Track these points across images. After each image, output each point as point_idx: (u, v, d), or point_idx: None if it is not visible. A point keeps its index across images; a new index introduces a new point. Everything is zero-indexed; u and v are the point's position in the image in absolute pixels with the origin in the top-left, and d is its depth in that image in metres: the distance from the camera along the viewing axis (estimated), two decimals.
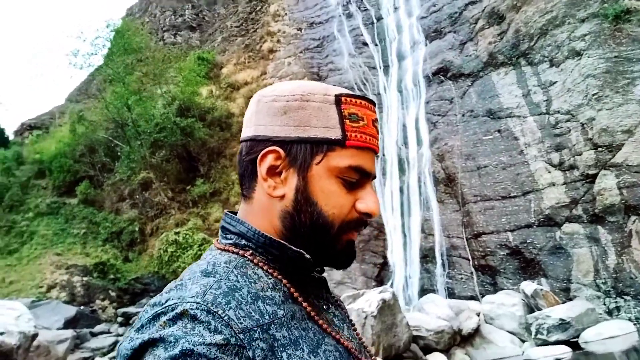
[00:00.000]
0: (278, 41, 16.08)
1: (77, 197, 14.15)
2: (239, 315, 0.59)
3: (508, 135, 8.87)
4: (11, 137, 21.61)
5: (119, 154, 14.28)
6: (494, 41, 10.10)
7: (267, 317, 0.62)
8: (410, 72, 12.02)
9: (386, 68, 12.94)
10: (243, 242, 0.72)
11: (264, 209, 0.72)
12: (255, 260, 0.70)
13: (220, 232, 0.75)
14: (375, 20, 14.16)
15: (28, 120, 21.88)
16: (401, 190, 10.51)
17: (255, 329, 0.60)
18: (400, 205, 10.38)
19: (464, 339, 6.27)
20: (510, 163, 8.55)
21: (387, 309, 5.40)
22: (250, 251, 0.71)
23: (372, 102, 0.77)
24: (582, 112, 7.57)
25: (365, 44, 13.89)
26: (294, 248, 0.70)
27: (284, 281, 0.70)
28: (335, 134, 0.71)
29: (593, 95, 7.52)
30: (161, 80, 15.14)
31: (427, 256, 9.20)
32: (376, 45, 13.69)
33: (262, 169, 0.71)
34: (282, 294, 0.68)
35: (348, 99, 0.74)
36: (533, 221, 7.59)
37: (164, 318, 0.56)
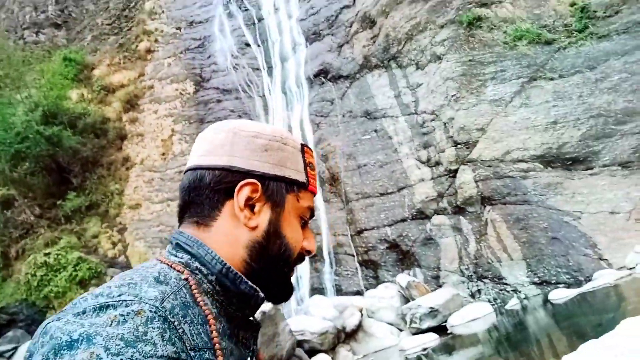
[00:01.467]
0: (156, 40, 15.20)
1: None
2: (192, 332, 0.58)
3: (383, 134, 9.35)
4: None
5: None
6: (367, 44, 10.57)
7: (209, 343, 0.61)
8: (293, 74, 12.13)
9: (270, 69, 12.91)
10: (196, 264, 0.70)
11: (228, 237, 0.73)
12: (200, 288, 0.67)
13: (169, 248, 0.73)
14: (256, 21, 14.02)
15: None
16: None
17: (204, 350, 0.59)
18: None
19: (348, 335, 6.50)
20: (386, 161, 9.02)
21: (268, 319, 5.37)
22: (199, 276, 0.69)
23: (310, 149, 0.85)
24: (444, 112, 8.24)
25: (248, 45, 13.72)
26: (250, 283, 0.71)
27: (212, 321, 0.65)
28: (302, 177, 0.79)
29: (452, 96, 8.21)
30: (21, 84, 13.47)
31: (315, 255, 9.36)
32: (259, 46, 13.59)
33: (240, 200, 0.73)
34: (207, 331, 0.64)
35: (307, 148, 0.83)
36: (407, 215, 8.10)
37: (113, 312, 0.52)
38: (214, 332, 0.63)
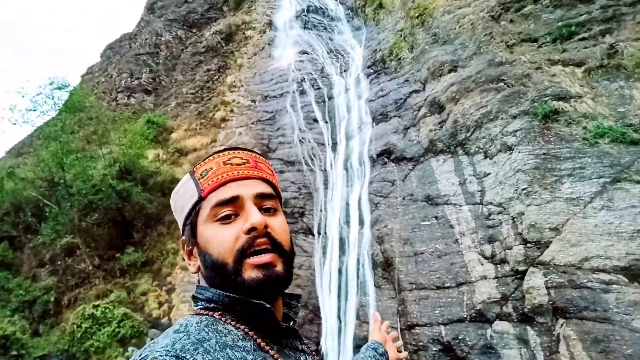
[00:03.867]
0: (231, 111, 16.12)
1: None
2: (207, 359, 0.67)
3: (444, 222, 8.81)
4: None
5: (47, 214, 13.31)
6: (434, 129, 10.38)
7: None
8: (357, 152, 12.12)
9: (334, 145, 13.05)
10: (212, 305, 0.82)
11: (203, 277, 0.89)
12: (224, 319, 0.79)
13: (193, 303, 0.87)
14: (327, 99, 14.50)
15: None
16: (340, 272, 10.12)
17: None
18: (338, 287, 9.94)
19: None
20: (445, 252, 8.40)
21: None
22: (220, 312, 0.80)
23: (223, 150, 0.94)
24: (513, 206, 7.63)
25: (316, 121, 14.09)
26: (253, 301, 0.78)
27: (251, 333, 0.78)
28: (195, 198, 0.88)
29: (523, 190, 7.63)
30: (105, 141, 14.63)
31: (359, 346, 8.62)
32: (326, 122, 13.91)
33: (185, 257, 0.92)
34: (252, 344, 0.76)
35: (200, 163, 0.93)
36: (465, 315, 7.30)
37: None
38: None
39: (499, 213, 7.87)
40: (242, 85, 17.01)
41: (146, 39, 20.96)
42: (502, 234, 7.58)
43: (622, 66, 7.87)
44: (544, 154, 7.97)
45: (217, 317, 0.79)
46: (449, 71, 10.81)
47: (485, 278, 7.39)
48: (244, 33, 20.01)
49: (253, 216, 0.83)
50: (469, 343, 7.02)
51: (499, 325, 6.80)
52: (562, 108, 8.40)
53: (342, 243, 10.49)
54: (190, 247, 0.90)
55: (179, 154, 15.30)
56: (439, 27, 12.26)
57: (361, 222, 10.46)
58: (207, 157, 0.93)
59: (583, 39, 8.74)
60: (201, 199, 0.87)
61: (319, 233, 11.12)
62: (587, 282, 6.07)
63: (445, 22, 12.12)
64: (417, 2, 13.68)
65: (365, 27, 17.03)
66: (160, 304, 11.25)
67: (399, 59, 13.19)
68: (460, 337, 7.17)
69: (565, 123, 8.21)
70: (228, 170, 0.89)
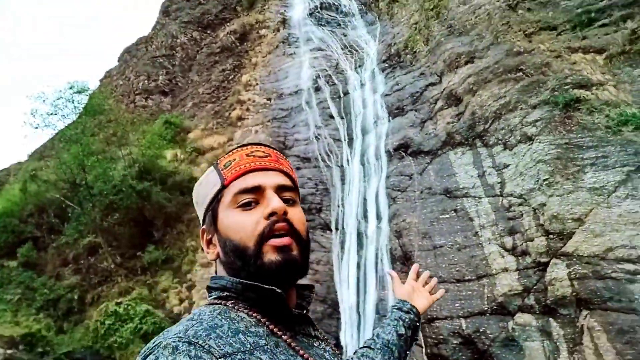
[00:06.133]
0: (247, 109, 16.20)
1: (18, 259, 13.20)
2: (219, 344, 0.69)
3: (464, 215, 8.70)
4: None
5: (69, 215, 13.59)
6: (452, 121, 10.26)
7: (248, 346, 0.72)
8: (373, 147, 12.05)
9: (350, 141, 13.00)
10: (225, 293, 0.85)
11: (220, 265, 0.92)
12: (236, 307, 0.81)
13: (207, 293, 0.90)
14: (342, 95, 14.45)
15: None
16: (358, 266, 10.08)
17: (237, 353, 0.69)
18: (357, 282, 9.90)
19: None
20: (465, 244, 8.30)
21: None
22: (232, 300, 0.83)
23: (246, 144, 0.97)
24: (534, 197, 7.49)
25: (332, 117, 14.05)
26: (265, 286, 0.81)
27: (263, 319, 0.80)
28: (217, 186, 0.91)
29: (544, 180, 7.49)
30: (124, 143, 14.87)
31: None
32: (342, 118, 13.85)
33: (203, 246, 0.95)
34: (265, 329, 0.78)
35: (224, 155, 0.96)
36: (486, 308, 7.20)
37: (152, 356, 0.66)
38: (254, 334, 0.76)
39: (520, 205, 7.74)
40: (257, 84, 17.07)
41: (162, 42, 21.23)
42: (524, 225, 7.45)
43: None
44: (565, 143, 7.80)
45: (230, 305, 0.81)
46: (466, 62, 10.66)
47: (507, 270, 7.28)
48: (258, 32, 20.09)
49: (273, 202, 0.86)
50: (490, 336, 6.93)
51: (521, 317, 6.69)
52: (583, 96, 8.21)
53: (360, 238, 10.45)
54: (210, 236, 0.93)
55: (197, 153, 15.45)
56: (454, 18, 12.10)
57: (379, 217, 10.40)
58: (231, 150, 0.97)
59: (604, 25, 8.52)
60: (224, 187, 0.90)
61: (336, 228, 11.09)
62: (612, 272, 5.93)
63: (461, 13, 11.96)
64: None
65: (379, 21, 16.92)
66: (181, 301, 11.39)
67: (414, 52, 13.07)
68: (481, 330, 7.08)
69: (587, 112, 8.02)
70: (251, 161, 0.92)
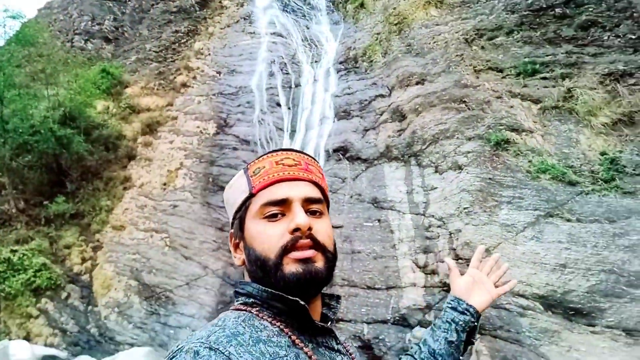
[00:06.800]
0: (194, 77, 15.60)
1: None
2: (240, 351, 0.71)
3: (386, 226, 9.04)
4: None
5: None
6: (392, 135, 10.60)
7: (267, 356, 0.73)
8: (314, 143, 12.13)
9: (292, 133, 12.99)
10: (251, 300, 0.88)
11: (247, 271, 0.95)
12: (261, 315, 0.83)
13: (234, 298, 0.93)
14: (293, 86, 14.38)
15: None
16: None
17: None
18: None
19: None
20: (382, 254, 8.63)
21: None
22: (258, 307, 0.85)
23: (277, 150, 0.98)
24: (452, 222, 7.96)
25: (279, 105, 13.95)
26: (290, 297, 0.82)
27: (286, 330, 0.82)
28: (245, 193, 0.94)
29: (464, 208, 7.98)
30: (52, 82, 13.69)
31: None
32: (289, 109, 13.81)
33: (231, 249, 0.99)
34: (287, 340, 0.80)
35: (254, 161, 0.99)
36: (389, 318, 7.55)
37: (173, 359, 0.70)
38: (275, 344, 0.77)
39: (439, 227, 8.18)
40: (209, 54, 16.50)
41: None
42: (438, 246, 7.89)
43: (575, 111, 8.40)
44: (489, 178, 8.37)
45: (255, 313, 0.83)
46: (417, 83, 11.06)
47: (415, 285, 7.68)
48: (220, 2, 19.41)
49: (299, 217, 0.87)
50: (387, 344, 7.27)
51: (419, 331, 7.09)
52: (513, 139, 8.84)
53: None
54: (237, 241, 0.96)
55: (131, 110, 14.61)
56: (414, 38, 12.50)
57: None
58: (261, 156, 0.98)
59: (544, 78, 9.23)
60: (251, 195, 0.92)
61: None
62: (507, 304, 6.47)
63: (422, 35, 12.38)
64: (397, 9, 13.87)
65: (344, 22, 17.04)
66: (84, 260, 10.74)
67: (371, 61, 13.33)
68: (380, 337, 7.41)
69: (513, 153, 8.65)
70: (280, 170, 0.93)
